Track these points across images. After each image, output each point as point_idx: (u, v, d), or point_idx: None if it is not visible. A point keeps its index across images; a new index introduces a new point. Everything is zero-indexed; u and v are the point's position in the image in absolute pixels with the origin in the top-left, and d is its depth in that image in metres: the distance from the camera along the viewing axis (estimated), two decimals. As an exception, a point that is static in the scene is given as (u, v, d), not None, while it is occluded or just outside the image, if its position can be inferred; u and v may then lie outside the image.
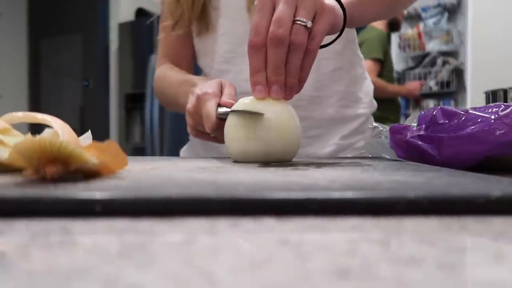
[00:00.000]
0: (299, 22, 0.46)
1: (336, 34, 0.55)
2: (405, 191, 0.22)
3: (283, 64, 0.46)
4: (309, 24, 0.46)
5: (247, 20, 0.70)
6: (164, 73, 0.78)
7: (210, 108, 0.54)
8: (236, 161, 0.49)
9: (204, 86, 0.58)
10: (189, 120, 0.60)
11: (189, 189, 0.25)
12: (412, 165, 0.41)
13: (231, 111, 0.49)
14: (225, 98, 0.56)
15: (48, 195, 0.22)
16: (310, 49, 0.47)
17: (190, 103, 0.59)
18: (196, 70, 0.82)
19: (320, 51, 0.50)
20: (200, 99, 0.57)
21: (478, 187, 0.25)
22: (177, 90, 0.69)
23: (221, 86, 0.58)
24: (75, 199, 0.22)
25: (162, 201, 0.22)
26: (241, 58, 0.71)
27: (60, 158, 0.27)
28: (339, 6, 0.52)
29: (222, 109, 0.54)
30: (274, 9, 0.46)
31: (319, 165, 0.42)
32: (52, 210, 0.22)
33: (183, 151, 0.86)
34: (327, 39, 0.52)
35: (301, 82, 0.49)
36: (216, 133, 0.55)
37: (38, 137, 0.28)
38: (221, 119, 0.53)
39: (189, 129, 0.62)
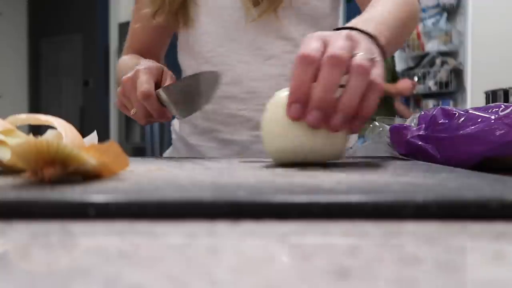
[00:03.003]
0: (360, 54, 0.38)
1: None
2: (413, 195, 0.21)
3: (336, 87, 0.37)
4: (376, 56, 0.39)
5: (228, 20, 0.70)
6: (124, 60, 0.79)
7: (147, 78, 0.57)
8: (275, 160, 0.44)
9: (146, 64, 0.60)
10: (119, 89, 0.61)
11: (188, 191, 0.24)
12: (425, 166, 0.40)
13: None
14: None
15: (42, 197, 0.22)
16: (376, 83, 0.38)
17: (126, 75, 0.60)
18: (175, 66, 0.81)
19: None
20: (138, 71, 0.59)
21: (492, 190, 0.24)
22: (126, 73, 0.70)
23: (162, 71, 0.61)
24: (68, 202, 0.22)
25: (153, 204, 0.21)
26: (220, 57, 0.70)
27: (58, 160, 0.27)
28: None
29: (162, 92, 0.57)
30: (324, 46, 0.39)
31: (329, 165, 0.41)
32: (45, 213, 0.21)
33: (165, 155, 0.86)
34: None
35: (364, 117, 0.39)
36: (145, 103, 0.56)
37: (34, 138, 0.28)
38: (158, 98, 0.57)
39: (117, 100, 0.63)
